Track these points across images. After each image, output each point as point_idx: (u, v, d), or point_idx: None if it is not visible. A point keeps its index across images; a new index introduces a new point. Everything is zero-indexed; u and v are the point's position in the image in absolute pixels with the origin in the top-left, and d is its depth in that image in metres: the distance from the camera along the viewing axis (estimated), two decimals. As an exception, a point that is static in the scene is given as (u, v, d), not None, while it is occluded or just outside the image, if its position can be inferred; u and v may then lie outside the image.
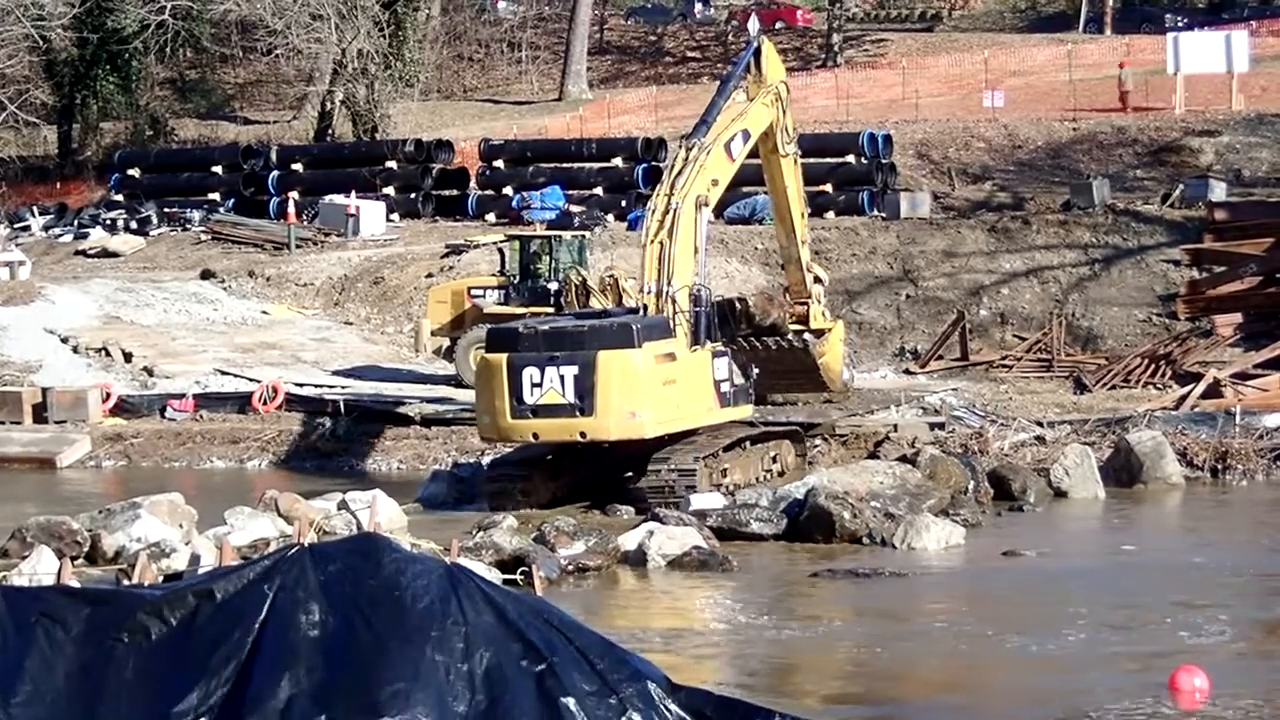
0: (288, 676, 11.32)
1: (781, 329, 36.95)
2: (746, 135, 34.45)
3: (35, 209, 64.71)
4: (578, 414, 30.87)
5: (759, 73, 35.37)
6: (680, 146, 34.04)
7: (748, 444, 33.25)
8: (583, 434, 31.17)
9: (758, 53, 35.60)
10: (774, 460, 34.09)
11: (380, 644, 11.47)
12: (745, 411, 33.68)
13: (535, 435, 31.56)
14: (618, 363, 30.85)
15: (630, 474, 32.44)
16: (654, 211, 32.55)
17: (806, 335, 37.16)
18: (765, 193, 46.89)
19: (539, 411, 31.01)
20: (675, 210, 32.17)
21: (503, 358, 31.32)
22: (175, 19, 70.30)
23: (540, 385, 30.94)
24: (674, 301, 31.86)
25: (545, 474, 32.67)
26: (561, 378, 30.84)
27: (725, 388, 32.77)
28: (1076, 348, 45.95)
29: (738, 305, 37.01)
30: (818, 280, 38.10)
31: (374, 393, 42.38)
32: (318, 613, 11.55)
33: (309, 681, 11.27)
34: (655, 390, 31.21)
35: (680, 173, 32.75)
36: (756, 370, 34.40)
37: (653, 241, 32.15)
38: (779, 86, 35.74)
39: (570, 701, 11.88)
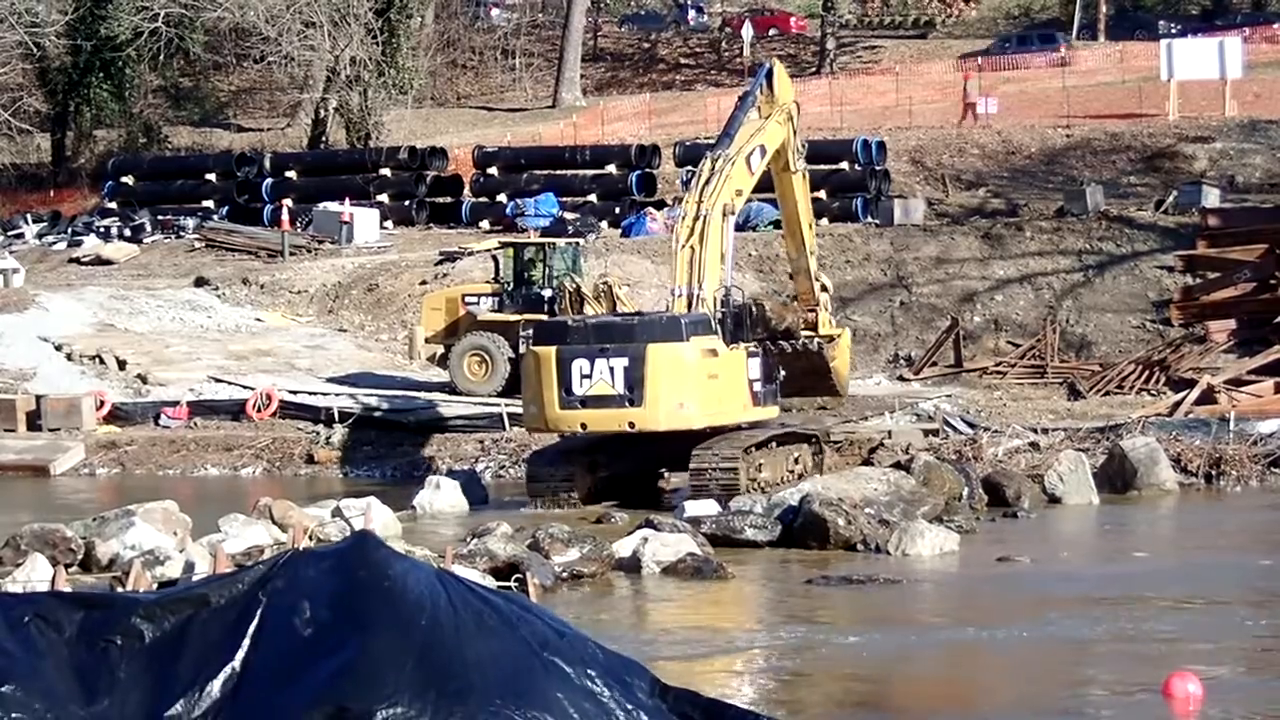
0: (282, 680, 11.32)
1: (795, 333, 37.57)
2: (763, 151, 35.48)
3: (29, 216, 64.71)
4: (627, 404, 31.71)
5: (771, 93, 36.45)
6: (705, 157, 34.97)
7: (774, 444, 33.59)
8: (632, 424, 31.90)
9: (770, 74, 36.74)
10: (796, 462, 34.42)
11: (374, 644, 11.44)
12: (772, 412, 34.36)
13: (584, 425, 32.30)
14: (667, 355, 31.69)
15: (663, 471, 33.20)
16: (685, 218, 33.44)
17: (818, 340, 37.72)
18: (761, 200, 47.29)
19: (588, 402, 31.81)
20: (705, 217, 33.02)
21: (551, 350, 32.05)
22: (168, 26, 70.35)
23: (590, 376, 31.70)
24: (704, 304, 32.63)
25: (584, 468, 33.19)
26: (611, 369, 31.62)
27: (757, 387, 33.53)
28: (1070, 354, 45.98)
29: (754, 309, 37.39)
30: (824, 289, 38.96)
31: (383, 399, 42.40)
32: (311, 616, 11.53)
33: (303, 684, 11.26)
34: (702, 383, 32.03)
35: (708, 182, 33.65)
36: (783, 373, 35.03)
37: (684, 247, 33.00)
38: (790, 106, 36.77)
39: None
